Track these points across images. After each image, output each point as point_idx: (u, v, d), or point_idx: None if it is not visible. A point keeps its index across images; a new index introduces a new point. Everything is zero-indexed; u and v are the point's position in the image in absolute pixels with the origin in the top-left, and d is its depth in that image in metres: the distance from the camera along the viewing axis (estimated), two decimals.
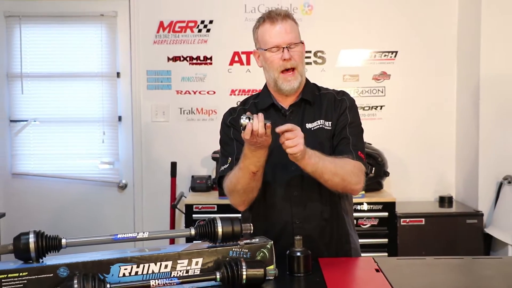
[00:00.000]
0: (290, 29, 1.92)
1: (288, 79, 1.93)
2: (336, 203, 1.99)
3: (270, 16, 1.92)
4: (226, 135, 2.05)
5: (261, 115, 1.70)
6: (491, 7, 3.49)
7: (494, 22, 3.50)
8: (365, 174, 1.96)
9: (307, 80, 2.06)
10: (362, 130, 2.04)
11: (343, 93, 2.06)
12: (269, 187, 1.95)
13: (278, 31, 1.91)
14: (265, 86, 2.06)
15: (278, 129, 1.70)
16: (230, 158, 1.97)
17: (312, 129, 1.96)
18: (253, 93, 2.16)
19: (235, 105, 2.13)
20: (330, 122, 1.98)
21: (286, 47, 1.90)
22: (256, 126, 1.67)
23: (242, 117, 1.69)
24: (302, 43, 1.96)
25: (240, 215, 2.07)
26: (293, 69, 1.93)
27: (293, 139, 1.69)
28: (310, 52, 3.88)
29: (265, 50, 1.93)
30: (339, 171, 1.84)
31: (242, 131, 1.70)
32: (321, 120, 1.97)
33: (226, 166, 1.97)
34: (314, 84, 2.10)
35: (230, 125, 2.04)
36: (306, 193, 1.94)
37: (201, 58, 3.93)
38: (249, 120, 1.68)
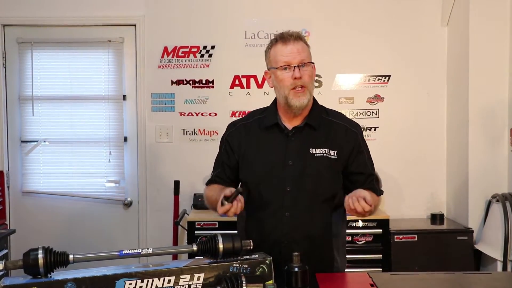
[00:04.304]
0: (301, 49, 1.94)
1: (298, 94, 1.93)
2: (326, 227, 2.00)
3: (283, 37, 1.96)
4: (219, 148, 2.16)
5: (240, 205, 1.79)
6: (479, 34, 3.59)
7: (482, 47, 3.59)
8: None
9: (315, 103, 2.06)
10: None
11: (355, 124, 2.09)
12: (264, 204, 1.97)
13: (290, 50, 1.93)
14: (273, 103, 2.07)
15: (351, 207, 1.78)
16: (213, 173, 2.12)
17: (315, 155, 1.97)
18: (261, 108, 2.15)
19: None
20: (335, 152, 1.98)
21: (297, 66, 1.92)
22: (231, 211, 1.79)
23: (224, 201, 1.79)
24: (313, 64, 1.98)
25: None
26: (302, 87, 1.94)
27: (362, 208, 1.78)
28: None
29: (277, 68, 1.95)
30: (373, 209, 1.91)
31: (222, 204, 1.79)
32: (326, 149, 1.98)
33: (210, 178, 2.14)
34: (322, 107, 2.10)
35: (224, 141, 2.11)
36: (297, 215, 1.95)
37: (203, 81, 4.02)
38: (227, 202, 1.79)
